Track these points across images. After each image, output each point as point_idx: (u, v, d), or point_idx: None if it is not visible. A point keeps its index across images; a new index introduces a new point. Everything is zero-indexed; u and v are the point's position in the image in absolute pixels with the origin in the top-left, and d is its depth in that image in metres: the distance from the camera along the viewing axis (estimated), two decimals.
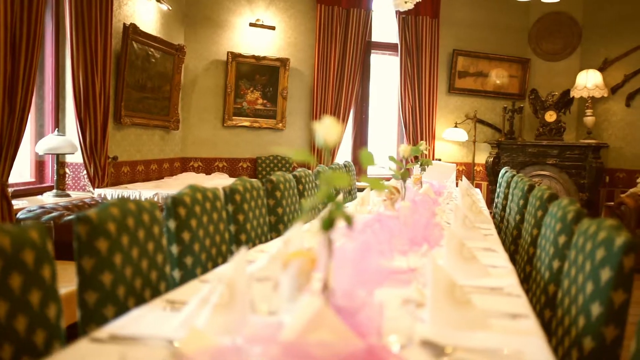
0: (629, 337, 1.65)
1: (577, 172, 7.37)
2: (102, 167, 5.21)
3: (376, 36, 7.98)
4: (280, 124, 7.34)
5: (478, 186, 7.61)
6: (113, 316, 1.75)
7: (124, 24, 5.54)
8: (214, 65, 7.06)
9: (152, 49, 6.03)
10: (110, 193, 5.19)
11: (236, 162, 7.24)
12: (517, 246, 3.56)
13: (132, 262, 1.87)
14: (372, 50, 7.92)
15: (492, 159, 7.81)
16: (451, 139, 7.95)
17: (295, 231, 2.19)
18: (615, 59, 7.63)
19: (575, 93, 7.60)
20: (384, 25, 8.15)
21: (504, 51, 8.27)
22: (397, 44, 7.87)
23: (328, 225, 1.40)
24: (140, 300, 1.90)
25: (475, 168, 8.09)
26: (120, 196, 5.18)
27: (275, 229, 3.47)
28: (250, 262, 2.25)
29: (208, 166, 7.11)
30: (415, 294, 1.86)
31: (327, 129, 1.46)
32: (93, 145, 5.12)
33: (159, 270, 2.05)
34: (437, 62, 7.90)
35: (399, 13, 7.73)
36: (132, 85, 5.73)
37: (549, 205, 2.96)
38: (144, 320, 1.56)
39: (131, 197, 5.10)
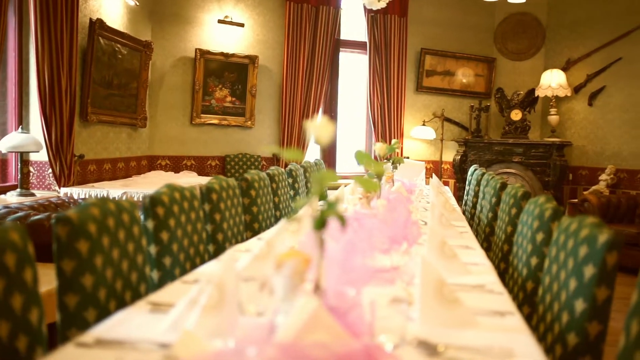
0: (610, 332, 1.68)
1: (542, 170, 7.52)
2: (68, 165, 5.09)
3: (345, 34, 7.99)
4: (249, 122, 7.28)
5: (446, 184, 7.69)
6: (94, 319, 1.70)
7: (90, 19, 5.42)
8: (181, 62, 6.97)
9: (119, 45, 5.91)
10: (77, 192, 5.07)
11: (204, 160, 7.16)
12: (490, 243, 3.61)
13: (113, 263, 1.83)
14: (341, 49, 7.93)
15: (459, 157, 7.90)
16: (419, 137, 8.01)
17: (277, 231, 2.17)
18: (578, 60, 7.81)
19: (540, 92, 7.74)
20: (353, 23, 8.16)
21: (471, 50, 8.38)
22: (365, 43, 7.89)
23: (320, 224, 1.39)
24: (121, 303, 1.86)
25: (442, 166, 8.18)
26: (87, 195, 5.07)
27: (251, 227, 3.44)
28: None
29: (176, 164, 7.01)
30: (401, 292, 1.86)
31: (320, 127, 1.45)
32: (59, 143, 4.99)
33: (139, 272, 2.00)
34: (405, 60, 7.96)
35: (367, 11, 7.75)
36: (98, 81, 5.61)
37: (522, 203, 3.01)
38: (130, 324, 1.52)
39: (99, 196, 5.01)
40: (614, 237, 1.61)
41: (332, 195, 4.28)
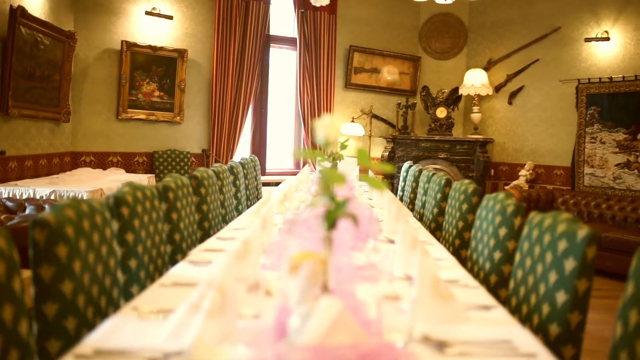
0: (588, 321, 1.77)
1: (466, 166, 7.80)
2: None
3: (275, 30, 7.94)
4: (178, 117, 7.09)
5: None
6: (74, 329, 1.61)
7: (11, 5, 5.08)
8: (107, 55, 6.67)
9: (41, 35, 5.58)
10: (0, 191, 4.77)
11: (132, 156, 6.90)
12: (439, 238, 3.70)
13: (90, 268, 1.73)
14: (272, 44, 7.87)
15: (387, 153, 8.06)
16: (348, 133, 8.10)
17: (253, 230, 2.13)
18: (498, 60, 8.15)
19: (463, 91, 8.03)
20: (283, 19, 8.12)
21: (397, 49, 8.56)
22: (295, 39, 7.88)
23: (331, 224, 1.38)
24: (98, 310, 1.77)
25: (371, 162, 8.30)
26: (11, 194, 4.77)
27: (201, 226, 3.36)
28: (196, 263, 2.17)
29: (101, 161, 6.72)
30: (389, 290, 1.88)
31: (327, 127, 1.43)
32: None
33: (112, 276, 1.91)
34: (334, 57, 8.01)
35: (297, 8, 7.74)
36: (19, 73, 5.27)
37: (473, 199, 3.11)
38: (124, 332, 1.44)
39: (24, 195, 4.72)
40: (593, 232, 1.70)
41: (277, 192, 4.25)
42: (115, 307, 1.90)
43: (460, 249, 3.14)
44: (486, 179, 7.87)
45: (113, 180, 5.67)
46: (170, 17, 6.90)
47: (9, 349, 1.26)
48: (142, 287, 2.21)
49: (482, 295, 1.91)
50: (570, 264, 1.72)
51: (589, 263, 1.69)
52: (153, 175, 6.66)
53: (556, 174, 7.44)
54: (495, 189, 8.11)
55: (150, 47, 6.80)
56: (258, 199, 5.81)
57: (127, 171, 6.72)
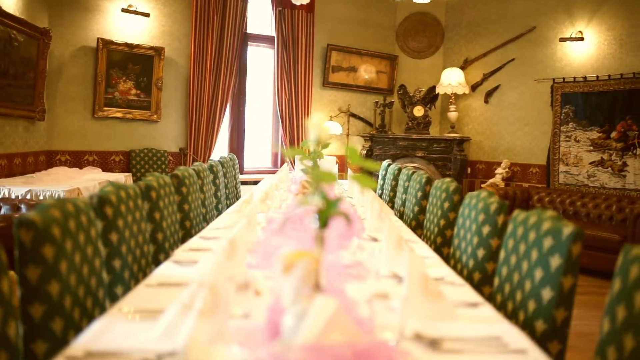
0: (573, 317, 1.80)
1: (444, 164, 7.86)
2: None
3: (252, 28, 7.91)
4: (155, 116, 7.02)
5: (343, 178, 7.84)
6: (61, 330, 1.58)
7: None
8: (82, 52, 6.58)
9: (14, 32, 5.47)
10: None
11: (108, 155, 6.82)
12: (419, 236, 3.72)
13: (76, 268, 1.71)
14: (249, 42, 7.84)
15: (365, 152, 8.09)
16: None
17: (239, 229, 2.12)
18: (474, 59, 8.24)
19: (440, 90, 8.09)
20: (260, 17, 8.09)
21: (375, 47, 8.59)
22: (273, 37, 7.86)
23: (323, 223, 1.38)
24: (85, 311, 1.74)
25: (348, 160, 8.32)
26: None
27: (182, 226, 3.33)
28: (181, 263, 2.15)
29: (77, 160, 6.62)
30: (377, 288, 1.89)
31: (320, 127, 1.43)
32: None
33: (97, 276, 1.88)
34: (312, 56, 8.01)
35: (275, 6, 7.72)
36: None
37: (455, 197, 3.14)
38: (114, 333, 1.43)
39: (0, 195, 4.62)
40: (578, 229, 1.73)
41: (258, 191, 4.24)
42: (101, 308, 1.88)
43: (442, 247, 3.17)
44: (463, 177, 7.94)
45: (90, 179, 5.60)
46: (147, 15, 6.83)
47: None
48: (127, 287, 2.19)
49: (468, 293, 1.93)
50: (555, 261, 1.74)
51: (574, 260, 1.72)
52: (130, 174, 6.59)
53: (532, 172, 7.54)
54: (472, 187, 8.19)
55: (126, 44, 6.72)
56: (237, 198, 5.79)
57: (104, 170, 6.64)
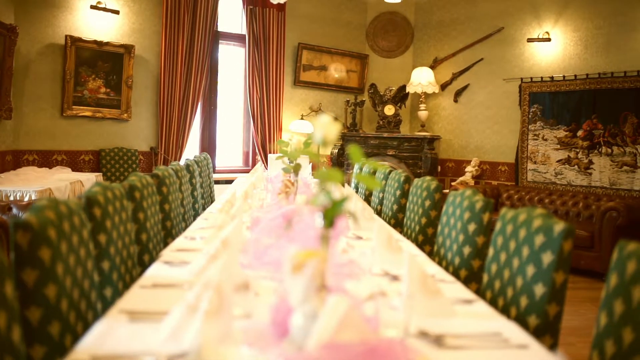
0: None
1: (414, 162, 7.94)
2: None
3: (223, 26, 7.85)
4: (125, 114, 6.91)
5: None
6: (59, 334, 1.55)
7: None
8: (50, 50, 6.43)
9: None
10: None
11: (77, 154, 6.68)
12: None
13: (71, 271, 1.68)
14: (220, 41, 7.78)
15: (336, 151, 8.11)
16: (298, 131, 8.10)
17: (232, 229, 2.12)
18: (444, 58, 8.34)
19: (410, 89, 8.17)
20: (231, 15, 8.04)
21: (345, 46, 8.63)
22: (244, 35, 7.82)
23: (330, 222, 1.39)
24: (79, 314, 1.71)
25: (320, 159, 8.35)
26: None
27: (163, 226, 3.29)
28: (172, 263, 2.13)
29: (45, 159, 6.47)
30: (372, 286, 1.90)
31: (325, 126, 1.44)
32: None
33: (90, 279, 1.85)
34: (283, 54, 7.99)
35: (246, 4, 7.68)
36: None
37: (436, 195, 3.18)
38: (117, 336, 1.41)
39: None
40: (570, 226, 1.77)
41: (239, 190, 4.22)
42: (94, 311, 1.85)
43: (423, 245, 3.21)
44: (434, 175, 8.03)
45: (60, 179, 5.49)
46: (117, 12, 6.71)
47: (3, 356, 1.22)
48: (115, 289, 2.16)
49: (460, 290, 1.96)
50: (547, 258, 1.78)
51: (566, 256, 1.77)
52: (100, 174, 6.48)
53: (500, 170, 7.68)
54: (443, 185, 8.28)
55: (95, 42, 6.60)
56: (211, 198, 5.75)
57: (73, 170, 6.51)
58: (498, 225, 2.15)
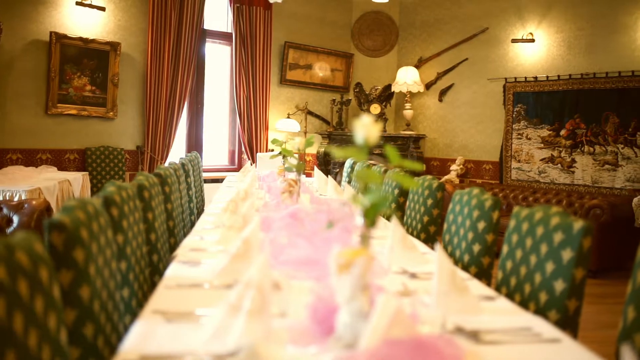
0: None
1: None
2: None
3: (210, 24, 7.82)
4: (111, 113, 6.84)
5: (310, 175, 7.87)
6: (92, 335, 1.55)
7: None
8: (34, 46, 6.33)
9: None
10: None
11: (62, 153, 6.60)
12: None
13: (100, 272, 1.67)
14: (207, 39, 7.74)
15: (323, 149, 8.13)
16: (284, 129, 8.10)
17: (251, 228, 2.12)
18: (429, 58, 8.42)
19: (395, 88, 8.23)
20: (218, 13, 8.00)
21: (331, 45, 8.65)
22: (231, 34, 7.80)
23: (371, 222, 1.41)
24: (108, 315, 1.71)
25: (306, 158, 8.37)
26: None
27: (167, 225, 3.28)
28: (190, 263, 2.13)
29: (29, 158, 6.38)
30: (399, 284, 1.93)
31: (367, 128, 1.46)
32: None
33: (114, 280, 1.85)
34: (269, 53, 7.99)
35: (232, 2, 7.66)
36: None
37: (438, 194, 3.23)
38: (159, 336, 1.41)
39: None
40: (588, 224, 1.82)
41: (240, 189, 4.22)
42: (118, 311, 1.85)
43: (426, 243, 3.25)
44: (419, 174, 8.10)
45: (48, 178, 5.42)
46: (103, 9, 6.64)
47: (54, 359, 1.21)
48: (132, 289, 2.15)
49: (480, 287, 2.00)
50: (567, 254, 1.83)
51: (585, 253, 1.82)
52: (87, 172, 6.41)
53: (485, 169, 7.79)
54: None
55: (81, 39, 6.52)
56: (202, 196, 5.73)
57: (59, 169, 6.42)
58: (512, 223, 2.19)
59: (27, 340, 1.08)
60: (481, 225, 2.50)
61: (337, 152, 1.44)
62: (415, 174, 7.33)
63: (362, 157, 1.41)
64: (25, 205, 3.77)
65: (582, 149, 6.70)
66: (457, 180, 7.78)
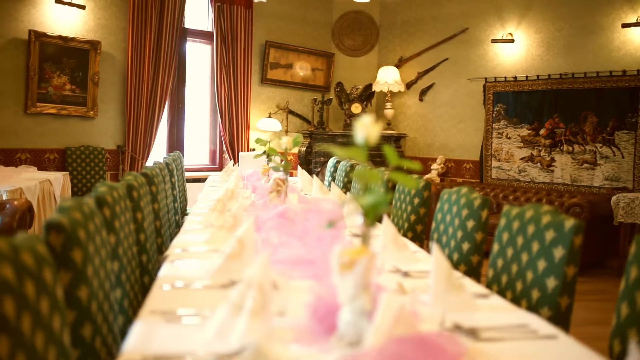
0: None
1: (382, 161, 8.03)
2: None
3: (191, 23, 7.77)
4: (92, 112, 6.77)
5: (292, 175, 7.87)
6: (91, 336, 1.54)
7: None
8: (12, 45, 6.23)
9: None
10: None
11: (42, 153, 6.51)
12: None
13: (97, 272, 1.66)
14: (188, 38, 7.70)
15: (304, 149, 8.14)
16: (265, 129, 8.09)
17: (245, 228, 2.13)
18: (409, 58, 8.47)
19: (376, 87, 8.27)
20: (198, 12, 7.96)
21: (312, 45, 8.66)
22: (212, 33, 7.76)
23: (372, 221, 1.42)
24: (104, 316, 1.70)
25: (288, 157, 8.36)
26: None
27: (154, 226, 3.26)
28: (182, 263, 2.13)
29: (8, 158, 6.28)
30: (394, 283, 1.95)
31: (367, 127, 1.47)
32: None
33: (109, 280, 1.84)
34: (250, 52, 7.97)
35: (213, 1, 7.62)
36: None
37: (425, 193, 3.25)
38: (160, 336, 1.42)
39: None
40: (580, 222, 1.86)
41: (226, 189, 4.21)
42: (113, 312, 1.83)
43: (413, 241, 3.27)
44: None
45: (29, 178, 5.34)
46: (83, 7, 6.57)
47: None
48: (124, 290, 2.14)
49: (472, 284, 2.03)
50: (559, 252, 1.87)
51: (577, 250, 1.85)
52: (67, 172, 6.33)
53: (465, 168, 7.86)
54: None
55: (60, 37, 6.44)
56: (185, 196, 5.70)
57: (39, 169, 6.33)
58: (502, 222, 2.22)
59: (34, 341, 1.08)
60: (470, 223, 2.53)
61: (339, 152, 1.45)
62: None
63: (362, 157, 1.42)
64: (7, 206, 3.72)
65: (561, 148, 6.80)
66: (437, 180, 7.84)
